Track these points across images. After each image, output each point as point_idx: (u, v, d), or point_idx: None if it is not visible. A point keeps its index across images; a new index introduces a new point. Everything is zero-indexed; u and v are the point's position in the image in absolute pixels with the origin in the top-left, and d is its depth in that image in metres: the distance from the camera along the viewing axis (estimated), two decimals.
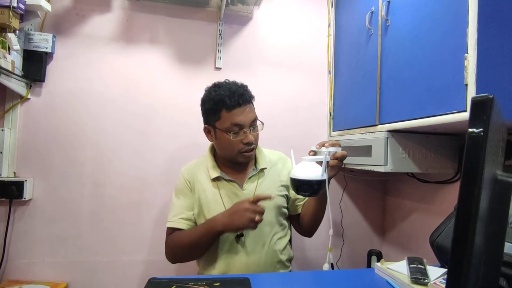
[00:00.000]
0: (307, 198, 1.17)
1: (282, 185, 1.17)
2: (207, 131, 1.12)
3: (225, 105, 1.03)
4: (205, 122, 1.12)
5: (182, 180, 1.15)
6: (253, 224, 0.95)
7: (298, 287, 0.87)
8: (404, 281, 0.82)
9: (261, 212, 0.96)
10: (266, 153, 1.21)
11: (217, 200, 1.09)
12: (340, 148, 0.95)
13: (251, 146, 1.07)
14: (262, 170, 1.15)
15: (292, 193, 1.19)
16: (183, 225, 1.10)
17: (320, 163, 0.90)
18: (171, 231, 1.11)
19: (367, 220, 1.71)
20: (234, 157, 1.09)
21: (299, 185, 0.88)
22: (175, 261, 1.12)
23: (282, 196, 1.16)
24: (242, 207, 0.97)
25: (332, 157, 0.94)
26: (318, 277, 0.97)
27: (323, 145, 0.94)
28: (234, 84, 1.08)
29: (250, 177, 1.13)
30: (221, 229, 0.99)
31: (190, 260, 1.14)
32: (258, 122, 1.10)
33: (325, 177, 0.87)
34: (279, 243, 1.12)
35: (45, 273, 1.37)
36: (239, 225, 0.97)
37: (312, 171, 0.87)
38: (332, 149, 0.93)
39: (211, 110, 1.06)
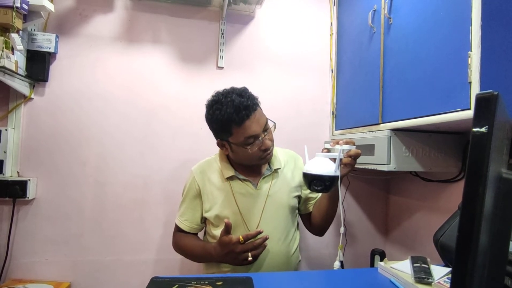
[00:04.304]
0: (318, 197, 1.17)
1: (295, 186, 1.17)
2: (221, 145, 1.10)
3: (234, 122, 0.98)
4: (217, 137, 1.09)
5: (191, 182, 1.14)
6: (248, 262, 0.97)
7: (300, 287, 0.87)
8: (407, 281, 0.81)
9: (253, 249, 0.96)
10: (278, 153, 1.20)
11: (230, 199, 1.08)
12: (355, 146, 0.94)
13: (270, 150, 1.06)
14: (276, 170, 1.15)
15: (304, 193, 1.19)
16: (185, 227, 1.13)
17: (333, 159, 0.89)
18: (177, 228, 1.16)
19: (370, 219, 1.71)
20: (255, 163, 1.09)
21: (311, 180, 0.88)
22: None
23: (295, 197, 1.16)
24: (234, 251, 0.96)
25: (346, 155, 0.94)
26: (320, 276, 0.97)
27: (337, 143, 0.94)
28: (235, 94, 1.00)
29: (264, 177, 1.12)
30: (220, 261, 1.04)
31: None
32: (270, 123, 1.07)
33: (338, 173, 0.87)
34: (290, 246, 1.12)
35: (48, 272, 1.37)
36: (234, 264, 1.00)
37: (325, 166, 0.87)
38: (346, 147, 0.92)
39: (220, 129, 1.03)
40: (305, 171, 0.89)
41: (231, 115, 0.97)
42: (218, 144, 1.10)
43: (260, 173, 1.14)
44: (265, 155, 1.06)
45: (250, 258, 0.95)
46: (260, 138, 1.02)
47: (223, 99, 1.00)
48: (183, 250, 1.14)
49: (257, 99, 1.06)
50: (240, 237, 0.95)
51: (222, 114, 0.98)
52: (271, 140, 1.07)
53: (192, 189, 1.13)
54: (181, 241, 1.14)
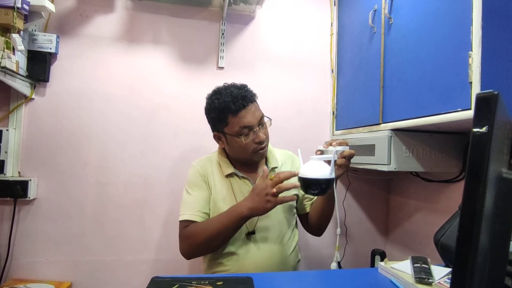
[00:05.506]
0: (315, 197, 1.17)
1: None
2: (217, 138, 1.12)
3: (230, 111, 1.02)
4: (214, 129, 1.11)
5: (195, 173, 1.12)
6: (276, 199, 0.94)
7: (301, 287, 0.87)
8: (408, 281, 0.81)
9: (279, 182, 0.93)
10: (276, 153, 1.21)
11: (230, 196, 1.09)
12: (348, 147, 0.95)
13: (264, 144, 1.08)
14: (273, 169, 1.15)
15: (300, 192, 1.19)
16: (201, 219, 1.05)
17: (328, 162, 0.90)
18: (186, 224, 1.05)
19: (371, 219, 1.70)
20: (249, 157, 1.08)
21: (308, 184, 0.88)
22: (191, 255, 1.06)
23: (293, 195, 1.16)
24: (265, 192, 0.93)
25: (340, 156, 0.94)
26: (321, 276, 0.97)
27: (331, 144, 0.94)
28: (234, 86, 1.07)
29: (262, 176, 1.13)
30: (247, 214, 0.96)
31: (209, 252, 1.08)
32: (265, 119, 1.10)
33: (333, 176, 0.87)
34: (289, 244, 1.12)
35: (49, 272, 1.37)
36: (265, 209, 0.95)
37: (321, 170, 0.87)
38: (339, 148, 0.93)
39: (217, 118, 1.06)
40: (300, 175, 0.89)
41: (228, 104, 1.01)
42: (214, 137, 1.12)
43: (257, 171, 1.15)
44: (259, 149, 1.07)
45: (274, 190, 0.92)
46: (255, 130, 1.04)
47: (222, 91, 1.06)
48: (203, 236, 1.00)
49: (255, 95, 1.09)
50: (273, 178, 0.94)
51: (219, 103, 1.03)
52: (266, 135, 1.09)
53: (199, 177, 1.11)
54: (198, 228, 1.02)
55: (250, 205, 0.96)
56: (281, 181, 0.93)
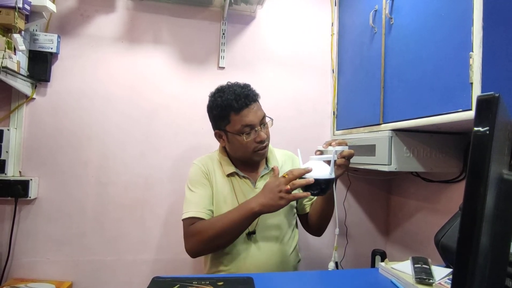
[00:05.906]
0: (315, 197, 1.17)
1: None
2: (218, 136, 1.12)
3: (232, 109, 1.02)
4: (215, 127, 1.11)
5: (198, 171, 1.12)
6: (288, 195, 0.92)
7: (301, 287, 0.87)
8: (408, 281, 0.81)
9: (293, 179, 0.91)
10: (276, 153, 1.22)
11: (231, 195, 1.09)
12: (347, 146, 0.95)
13: (264, 144, 1.08)
14: (273, 169, 1.15)
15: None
16: (207, 216, 1.04)
17: (327, 162, 0.90)
18: (191, 222, 1.03)
19: (371, 219, 1.70)
20: (249, 157, 1.09)
21: (307, 184, 0.88)
22: (198, 252, 1.04)
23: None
24: (278, 189, 0.92)
25: (339, 156, 0.94)
26: (321, 276, 0.97)
27: (330, 144, 0.94)
28: (238, 85, 1.07)
29: (262, 176, 1.13)
30: (258, 210, 0.95)
31: (216, 250, 1.06)
32: (267, 119, 1.10)
33: (333, 176, 0.87)
34: (289, 244, 1.12)
35: (50, 272, 1.38)
36: (278, 206, 0.93)
37: (320, 170, 0.88)
38: (339, 148, 0.93)
39: (219, 116, 1.06)
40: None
41: (231, 102, 1.02)
42: (215, 135, 1.12)
43: (258, 172, 1.15)
44: (260, 148, 1.07)
45: (288, 187, 0.90)
46: (256, 129, 1.04)
47: (225, 89, 1.07)
48: (211, 232, 0.98)
49: (258, 95, 1.09)
50: (285, 174, 0.93)
51: (222, 100, 1.03)
52: (267, 135, 1.09)
53: (201, 175, 1.11)
54: (205, 225, 1.01)
55: (262, 201, 0.95)
56: (295, 178, 0.92)
